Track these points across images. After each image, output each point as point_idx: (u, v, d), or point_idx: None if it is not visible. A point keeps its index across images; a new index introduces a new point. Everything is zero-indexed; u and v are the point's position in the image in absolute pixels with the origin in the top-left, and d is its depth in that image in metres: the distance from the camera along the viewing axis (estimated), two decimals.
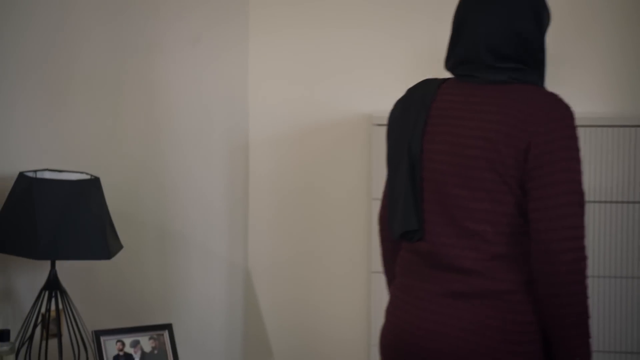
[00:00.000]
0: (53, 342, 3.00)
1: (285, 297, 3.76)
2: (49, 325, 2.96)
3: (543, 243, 2.16)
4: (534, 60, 2.30)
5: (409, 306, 2.31)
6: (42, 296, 2.88)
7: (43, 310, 2.90)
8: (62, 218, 2.76)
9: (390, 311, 2.38)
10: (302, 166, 3.72)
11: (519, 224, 2.22)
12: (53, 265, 2.89)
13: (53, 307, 2.93)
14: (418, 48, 3.58)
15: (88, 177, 2.93)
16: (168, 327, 3.00)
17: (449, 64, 2.36)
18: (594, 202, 3.35)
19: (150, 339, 2.96)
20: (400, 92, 2.45)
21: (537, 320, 2.22)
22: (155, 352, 2.96)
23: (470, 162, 2.23)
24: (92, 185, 2.85)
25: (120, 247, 2.94)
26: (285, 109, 3.72)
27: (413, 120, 2.35)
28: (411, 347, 2.27)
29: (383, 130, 3.49)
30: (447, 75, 2.39)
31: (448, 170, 2.26)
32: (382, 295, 3.49)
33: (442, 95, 2.33)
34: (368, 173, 3.65)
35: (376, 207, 3.35)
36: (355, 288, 3.69)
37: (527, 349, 2.21)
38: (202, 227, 3.58)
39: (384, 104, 3.37)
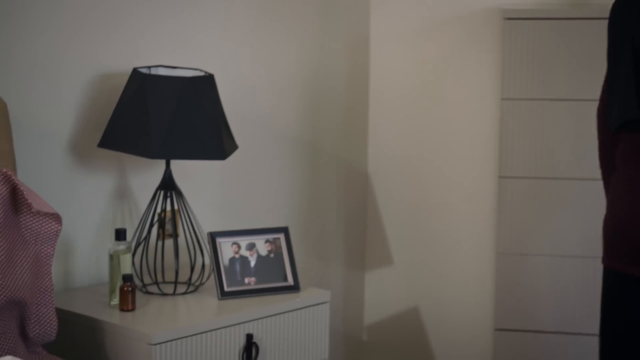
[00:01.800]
0: (169, 243, 3.07)
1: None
2: (165, 225, 3.02)
3: None
4: None
5: (632, 196, 2.40)
6: (157, 196, 2.93)
7: (159, 210, 2.95)
8: (175, 116, 2.78)
9: (615, 202, 2.47)
10: (427, 63, 3.66)
11: None
12: (168, 165, 2.93)
13: (168, 207, 2.97)
14: None
15: (202, 74, 2.94)
16: (284, 230, 3.02)
17: None
18: None
19: (266, 242, 2.99)
20: None
21: None
22: (271, 255, 2.99)
23: None
24: (207, 83, 2.87)
25: (235, 147, 2.96)
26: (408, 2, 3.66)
27: (637, 12, 2.41)
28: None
29: (516, 25, 3.40)
30: None
31: None
32: (509, 278, 3.44)
33: None
34: (499, 73, 3.57)
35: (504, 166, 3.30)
36: (481, 269, 3.64)
37: None
38: (321, 129, 3.57)
39: None
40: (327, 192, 3.61)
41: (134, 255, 2.91)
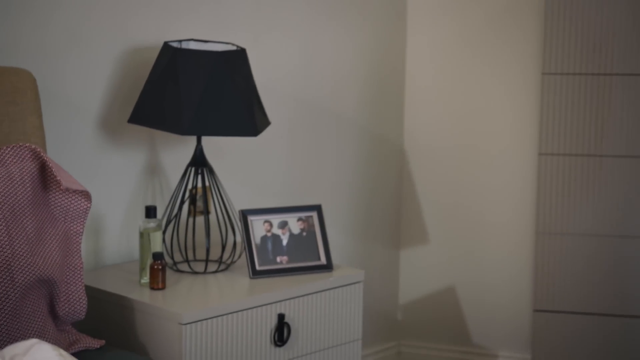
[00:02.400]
0: (200, 220, 3.06)
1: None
2: (196, 203, 3.01)
3: None
4: None
5: None
6: (188, 173, 2.92)
7: (189, 187, 2.94)
8: (207, 91, 2.77)
9: None
10: (465, 37, 3.62)
11: None
12: (199, 141, 2.92)
13: (200, 184, 2.96)
14: None
15: (234, 48, 2.92)
16: (317, 208, 3.00)
17: None
18: None
19: (298, 220, 2.97)
20: None
21: None
22: (304, 234, 2.97)
23: None
24: (238, 57, 2.85)
25: (267, 123, 2.94)
26: None
27: None
28: None
29: None
30: None
31: None
32: (548, 258, 3.41)
33: None
34: (540, 45, 3.53)
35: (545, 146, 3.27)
36: (520, 248, 3.62)
37: None
38: (354, 102, 3.54)
39: None
40: (361, 169, 3.60)
41: (164, 232, 2.91)
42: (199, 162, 2.92)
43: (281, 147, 3.37)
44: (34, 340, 1.80)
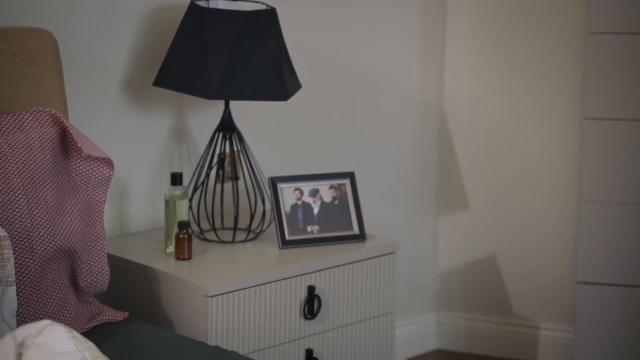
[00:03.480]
0: (227, 187, 3.03)
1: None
2: (224, 169, 2.98)
3: None
4: None
5: None
6: (216, 138, 2.90)
7: (217, 152, 2.91)
8: (235, 53, 2.74)
9: None
10: None
11: None
12: (227, 105, 2.89)
13: (227, 149, 2.93)
14: None
15: (264, 7, 2.88)
16: (350, 175, 2.97)
17: None
18: None
19: (330, 188, 2.94)
20: None
21: None
22: (336, 202, 2.94)
23: None
24: (268, 17, 2.81)
25: (298, 87, 2.91)
26: None
27: None
28: None
29: None
30: None
31: None
32: (593, 227, 3.35)
33: None
34: (583, 5, 3.45)
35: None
36: (563, 217, 3.57)
37: None
38: (391, 64, 3.49)
39: None
40: (396, 133, 3.55)
41: (191, 200, 2.89)
42: (227, 127, 2.90)
43: (313, 111, 3.32)
44: (46, 322, 1.79)
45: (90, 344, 1.89)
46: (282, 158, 3.26)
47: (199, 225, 2.92)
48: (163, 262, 2.76)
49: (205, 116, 3.07)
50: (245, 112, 3.14)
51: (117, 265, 2.80)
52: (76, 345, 1.85)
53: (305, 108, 3.30)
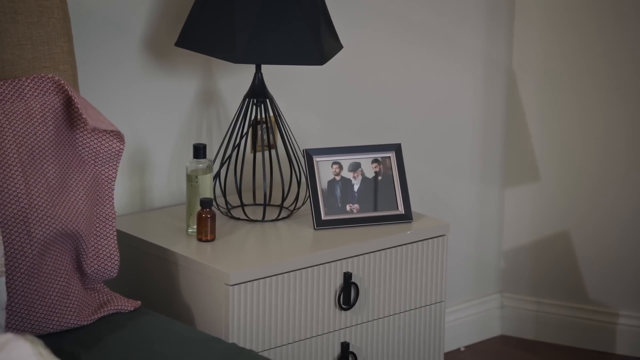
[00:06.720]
0: (259, 160, 3.01)
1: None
2: (256, 139, 2.96)
3: None
4: None
5: None
6: (245, 105, 2.87)
7: (247, 120, 2.89)
8: (264, 11, 2.71)
9: None
10: None
11: None
12: (258, 69, 2.87)
13: (259, 117, 2.91)
14: None
15: None
16: (396, 147, 2.91)
17: None
18: None
19: (373, 162, 2.89)
20: None
21: None
22: (379, 177, 2.90)
23: None
24: None
25: (338, 48, 2.86)
26: None
27: None
28: None
29: None
30: None
31: None
32: None
33: None
34: None
35: None
36: None
37: None
38: (454, 17, 3.44)
39: None
40: (459, 93, 3.50)
41: (218, 173, 2.83)
42: (258, 92, 2.86)
43: (355, 77, 3.27)
44: (9, 336, 1.73)
45: None
46: (319, 128, 3.22)
47: (226, 200, 2.86)
48: (183, 244, 2.72)
49: (237, 79, 3.05)
50: (278, 76, 3.11)
51: (132, 245, 2.77)
52: None
53: (346, 72, 3.25)
